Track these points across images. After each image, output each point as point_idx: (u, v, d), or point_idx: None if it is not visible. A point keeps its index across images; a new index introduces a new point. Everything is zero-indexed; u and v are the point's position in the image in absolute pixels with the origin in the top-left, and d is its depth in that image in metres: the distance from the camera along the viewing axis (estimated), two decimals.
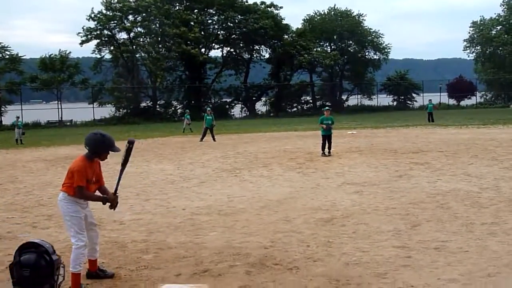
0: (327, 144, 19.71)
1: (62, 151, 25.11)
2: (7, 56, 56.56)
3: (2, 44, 56.68)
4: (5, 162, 21.00)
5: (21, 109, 50.84)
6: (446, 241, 7.75)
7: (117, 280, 6.53)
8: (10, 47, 57.81)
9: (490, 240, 7.77)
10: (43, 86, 57.35)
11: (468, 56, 76.21)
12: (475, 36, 72.82)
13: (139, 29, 58.28)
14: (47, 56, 57.82)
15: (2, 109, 54.45)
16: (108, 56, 59.29)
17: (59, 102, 56.94)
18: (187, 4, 61.64)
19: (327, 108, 21.56)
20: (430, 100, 43.14)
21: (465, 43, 74.32)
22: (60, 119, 55.30)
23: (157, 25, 58.00)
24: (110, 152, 6.52)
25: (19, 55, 57.49)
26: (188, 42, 57.13)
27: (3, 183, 15.46)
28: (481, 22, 72.83)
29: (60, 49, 60.76)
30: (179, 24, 57.11)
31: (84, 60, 64.62)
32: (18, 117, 33.60)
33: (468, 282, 6.04)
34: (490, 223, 8.76)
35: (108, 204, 6.55)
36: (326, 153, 19.58)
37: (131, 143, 6.17)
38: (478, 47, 73.51)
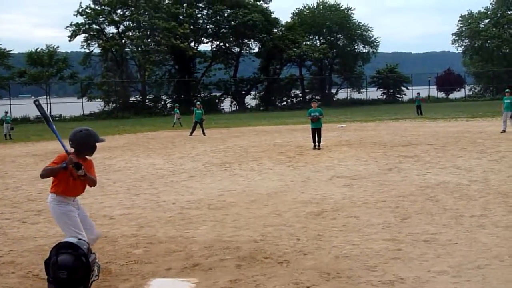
0: (316, 137, 19.70)
1: (52, 146, 24.99)
2: None
3: None
4: None
5: (10, 104, 50.57)
6: (435, 234, 7.79)
7: (107, 275, 6.51)
8: None
9: (479, 232, 7.81)
10: (32, 81, 56.98)
11: (457, 50, 76.61)
12: (463, 29, 73.10)
13: (128, 22, 57.99)
14: (34, 51, 57.41)
15: None
16: (97, 50, 59.01)
17: (48, 97, 56.64)
18: None
19: (314, 100, 21.55)
20: (419, 93, 43.32)
21: (454, 36, 74.63)
22: (49, 114, 54.90)
23: (146, 18, 57.76)
24: (99, 141, 6.36)
25: (7, 49, 57.07)
26: (177, 36, 56.92)
27: None
28: (469, 16, 73.09)
29: (46, 44, 60.37)
30: (169, 18, 56.89)
31: (72, 55, 64.26)
32: (6, 112, 33.41)
33: (458, 274, 6.08)
34: (479, 215, 8.81)
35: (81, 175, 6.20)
36: (318, 146, 19.57)
37: (35, 101, 6.36)
38: (467, 41, 73.80)
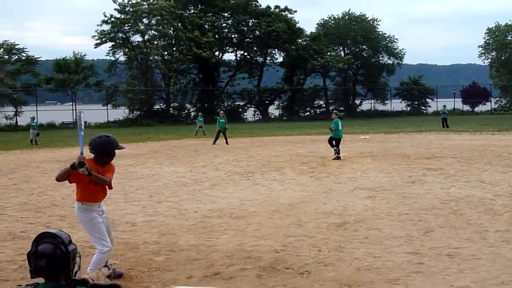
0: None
1: (76, 152, 25.14)
2: (23, 58, 56.99)
3: (18, 46, 57.17)
4: (20, 163, 21.16)
5: (36, 110, 51.24)
6: (459, 248, 7.70)
7: (128, 282, 6.55)
8: (26, 48, 58.30)
9: (504, 247, 7.70)
10: (58, 88, 57.71)
11: (483, 62, 75.83)
12: (490, 42, 72.41)
13: (153, 32, 58.50)
14: (62, 58, 58.21)
15: (18, 110, 54.83)
16: (122, 58, 59.60)
17: (74, 104, 57.28)
18: (202, 7, 61.72)
19: (335, 111, 21.72)
20: (444, 106, 42.91)
21: (480, 49, 73.95)
22: (74, 120, 55.56)
23: (171, 29, 58.22)
24: (116, 151, 6.44)
25: (35, 57, 57.94)
26: (202, 45, 57.23)
27: (17, 183, 15.57)
28: (496, 28, 72.40)
29: (74, 51, 61.18)
30: (193, 28, 57.25)
31: (98, 62, 64.97)
32: (33, 118, 33.84)
33: None
34: (504, 230, 8.69)
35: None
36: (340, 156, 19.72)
37: (79, 112, 6.75)
38: (493, 53, 73.06)
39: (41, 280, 3.23)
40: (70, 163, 6.04)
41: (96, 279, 6.14)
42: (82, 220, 6.41)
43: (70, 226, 9.59)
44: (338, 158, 19.52)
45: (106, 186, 6.45)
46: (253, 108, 66.23)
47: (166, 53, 58.34)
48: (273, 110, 66.56)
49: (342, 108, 64.85)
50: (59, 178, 6.18)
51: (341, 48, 71.79)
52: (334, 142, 20.00)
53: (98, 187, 6.35)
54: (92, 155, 6.44)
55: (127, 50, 58.06)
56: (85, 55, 59.58)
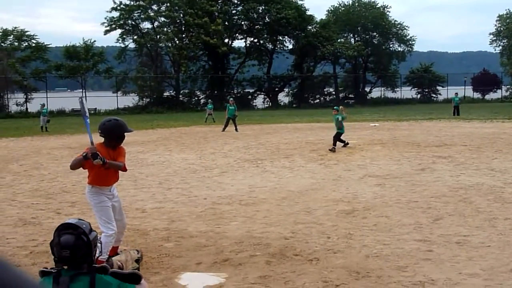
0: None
1: (86, 138, 25.23)
2: (33, 45, 57.13)
3: (28, 32, 57.28)
4: (30, 149, 21.28)
5: (46, 97, 51.36)
6: (468, 236, 7.70)
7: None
8: (36, 35, 58.50)
9: None
10: (68, 74, 57.85)
11: (494, 50, 75.20)
12: (502, 29, 71.77)
13: (162, 18, 58.39)
14: (72, 45, 58.31)
15: (28, 96, 55.06)
16: (132, 45, 59.58)
17: (84, 91, 57.41)
18: None
19: (335, 107, 21.01)
20: (456, 93, 42.61)
21: (492, 36, 73.31)
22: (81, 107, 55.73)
23: (181, 15, 58.08)
24: (128, 131, 6.54)
25: (45, 43, 58.05)
26: (211, 32, 57.09)
27: (28, 170, 15.68)
28: (508, 15, 71.72)
29: (83, 38, 61.28)
30: (203, 15, 57.09)
31: (108, 49, 64.98)
32: (43, 105, 33.97)
33: (490, 277, 6.01)
34: None
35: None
36: (332, 149, 18.71)
37: (79, 98, 6.76)
38: (505, 41, 72.45)
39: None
40: (83, 153, 6.10)
41: (125, 263, 6.24)
42: (91, 202, 6.51)
43: (81, 212, 9.66)
44: (333, 150, 19.02)
45: (119, 171, 6.53)
46: (262, 95, 66.11)
47: (176, 39, 58.24)
48: (283, 98, 66.41)
49: (350, 100, 64.55)
50: (73, 167, 6.34)
51: (351, 35, 71.41)
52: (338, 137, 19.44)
53: (110, 171, 6.46)
54: (101, 139, 6.52)
55: (136, 37, 58.03)
56: (94, 41, 59.66)
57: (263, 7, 62.14)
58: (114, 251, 6.68)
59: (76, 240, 3.33)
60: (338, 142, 19.19)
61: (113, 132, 6.46)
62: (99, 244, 3.39)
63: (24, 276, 0.89)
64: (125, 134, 6.57)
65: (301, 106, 60.40)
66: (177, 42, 57.76)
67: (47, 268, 3.42)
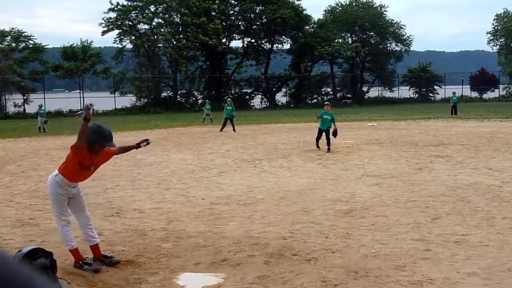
0: (326, 140, 18.70)
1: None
2: (31, 46, 57.07)
3: (25, 33, 57.23)
4: (28, 150, 21.26)
5: (44, 98, 51.35)
6: (466, 235, 7.70)
7: (136, 268, 6.60)
8: (33, 36, 58.34)
9: (511, 234, 7.70)
10: (66, 75, 57.80)
11: (492, 49, 75.30)
12: (499, 28, 71.86)
13: (160, 20, 58.34)
14: (69, 45, 58.26)
15: (26, 97, 55.01)
16: (129, 45, 59.56)
17: (81, 91, 57.38)
18: None
19: (327, 103, 20.55)
20: (454, 92, 42.65)
21: (489, 35, 73.43)
22: (82, 108, 55.65)
23: (178, 15, 58.06)
24: (103, 145, 6.56)
25: (42, 44, 57.99)
26: (209, 32, 57.10)
27: (26, 171, 15.66)
28: (505, 14, 71.81)
29: (81, 39, 61.17)
30: (199, 14, 57.04)
31: (106, 50, 64.94)
32: (41, 106, 33.94)
33: (488, 276, 6.01)
34: (511, 217, 8.68)
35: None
36: (326, 148, 18.47)
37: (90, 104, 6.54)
38: (502, 40, 72.54)
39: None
40: (82, 126, 6.30)
41: None
42: (49, 190, 6.66)
43: None
44: (318, 147, 18.89)
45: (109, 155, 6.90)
46: (260, 95, 66.12)
47: (173, 40, 58.24)
48: (280, 97, 66.41)
49: (349, 95, 64.52)
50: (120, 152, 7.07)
51: (348, 35, 71.46)
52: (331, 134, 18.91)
53: (87, 175, 6.75)
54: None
55: (133, 38, 57.99)
56: (92, 42, 59.68)
57: (260, 7, 62.14)
58: (98, 251, 6.73)
59: (50, 260, 3.36)
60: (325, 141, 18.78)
61: (96, 136, 6.52)
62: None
63: (34, 275, 0.89)
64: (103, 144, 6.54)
65: (299, 106, 60.39)
66: (174, 42, 57.72)
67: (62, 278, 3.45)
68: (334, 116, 19.25)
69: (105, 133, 6.53)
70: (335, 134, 18.80)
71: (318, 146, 18.96)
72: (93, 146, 6.47)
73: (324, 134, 18.86)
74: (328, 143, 18.62)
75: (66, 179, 6.53)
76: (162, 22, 58.31)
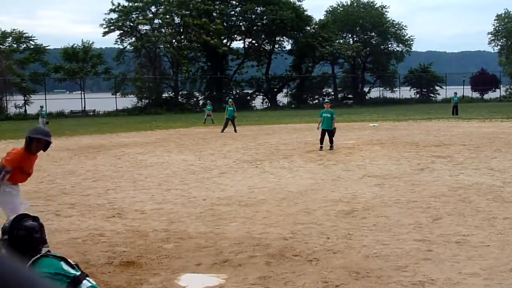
0: (328, 139, 18.94)
1: (85, 140, 25.35)
2: (32, 47, 57.09)
3: (26, 34, 57.24)
4: None
5: (45, 99, 51.40)
6: (467, 235, 7.70)
7: (138, 269, 6.60)
8: (34, 37, 58.34)
9: None
10: (67, 76, 57.82)
11: (493, 49, 75.24)
12: (500, 29, 71.82)
13: (159, 21, 58.33)
14: (70, 46, 58.29)
15: (27, 98, 55.05)
16: (130, 46, 59.53)
17: (83, 92, 57.41)
18: None
19: (326, 100, 20.84)
20: (456, 93, 42.62)
21: (490, 36, 73.38)
22: (83, 109, 55.76)
23: (179, 17, 58.09)
24: (42, 141, 6.96)
25: (43, 45, 58.00)
26: (210, 33, 57.13)
27: None
28: (506, 15, 71.77)
29: (82, 40, 61.09)
30: (200, 15, 57.06)
31: (107, 51, 64.96)
32: (42, 107, 34.01)
33: (489, 276, 6.01)
34: None
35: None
36: (328, 148, 18.78)
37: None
38: (503, 40, 72.49)
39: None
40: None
41: None
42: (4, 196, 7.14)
43: (80, 214, 9.66)
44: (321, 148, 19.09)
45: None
46: (261, 96, 66.10)
47: (174, 40, 58.28)
48: (282, 98, 66.39)
49: (351, 96, 64.54)
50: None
51: (349, 35, 71.45)
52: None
53: (25, 179, 7.53)
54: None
55: (134, 39, 57.99)
56: (92, 43, 59.68)
57: (261, 8, 62.15)
58: None
59: (38, 222, 3.70)
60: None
61: (33, 133, 7.04)
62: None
63: (36, 276, 0.89)
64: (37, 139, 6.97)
65: (300, 107, 60.38)
66: (175, 43, 57.73)
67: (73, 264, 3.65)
68: (334, 114, 19.44)
69: (41, 129, 7.40)
70: (334, 132, 18.95)
71: (321, 148, 19.03)
72: (31, 142, 6.98)
73: (326, 133, 19.03)
74: (331, 141, 18.94)
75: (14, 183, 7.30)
76: (163, 23, 58.31)
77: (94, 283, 3.65)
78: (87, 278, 3.62)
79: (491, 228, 8.06)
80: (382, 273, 6.21)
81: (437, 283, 5.85)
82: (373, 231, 8.09)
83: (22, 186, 13.02)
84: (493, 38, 73.26)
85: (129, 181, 13.29)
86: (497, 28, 72.43)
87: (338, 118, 21.06)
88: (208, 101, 42.14)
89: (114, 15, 56.93)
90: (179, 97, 61.37)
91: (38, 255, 3.61)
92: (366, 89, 71.11)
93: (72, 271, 3.57)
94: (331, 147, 18.84)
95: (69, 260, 3.65)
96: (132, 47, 58.74)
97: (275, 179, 13.38)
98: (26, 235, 3.59)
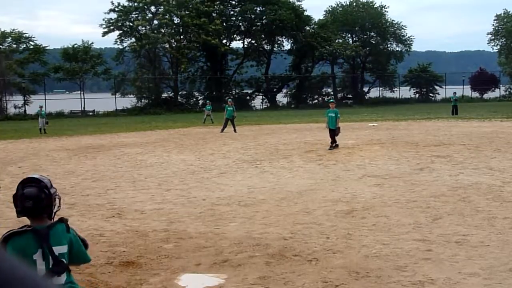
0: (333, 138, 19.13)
1: (85, 140, 25.34)
2: (31, 47, 57.07)
3: (26, 34, 57.24)
4: (29, 151, 21.26)
5: (45, 99, 51.40)
6: (467, 235, 7.70)
7: (137, 269, 6.60)
8: (34, 37, 58.32)
9: None
10: (67, 77, 57.81)
11: (492, 49, 75.25)
12: (499, 29, 71.85)
13: (158, 21, 58.28)
14: (70, 46, 58.27)
15: (26, 99, 55.05)
16: (129, 47, 59.49)
17: (82, 92, 57.41)
18: None
19: (331, 100, 21.00)
20: (455, 93, 42.62)
21: (490, 36, 73.42)
22: (83, 109, 55.76)
23: (179, 17, 58.09)
24: None
25: (43, 45, 57.99)
26: (210, 33, 57.13)
27: (26, 172, 15.65)
28: (505, 15, 71.80)
29: (82, 40, 61.03)
30: (199, 15, 57.05)
31: (106, 51, 64.94)
32: (41, 107, 33.94)
33: (489, 276, 6.01)
34: None
35: None
36: (333, 146, 19.01)
37: None
38: (503, 40, 72.51)
39: (27, 221, 3.76)
40: None
41: None
42: None
43: (80, 214, 9.66)
44: (336, 146, 19.21)
45: None
46: (261, 96, 66.10)
47: (173, 40, 58.28)
48: (281, 98, 66.40)
49: (350, 96, 64.67)
50: None
51: (349, 35, 71.46)
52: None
53: None
54: None
55: (134, 39, 57.97)
56: (92, 43, 59.66)
57: (261, 8, 62.16)
58: None
59: (39, 192, 3.65)
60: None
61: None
62: (57, 201, 3.84)
63: (35, 275, 0.89)
64: None
65: (299, 107, 60.40)
66: (174, 43, 57.72)
67: (11, 230, 3.69)
68: (339, 114, 19.65)
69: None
70: (337, 131, 19.05)
71: (331, 147, 19.14)
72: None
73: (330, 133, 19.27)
74: (332, 141, 19.09)
75: None
76: (162, 23, 58.29)
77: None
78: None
79: (491, 228, 8.06)
80: (382, 273, 6.21)
81: (437, 283, 5.85)
82: (372, 231, 8.09)
83: None
84: (493, 38, 73.31)
85: (128, 181, 13.29)
86: (496, 28, 72.46)
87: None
88: (208, 101, 42.14)
89: (113, 15, 56.99)
90: (179, 97, 61.37)
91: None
92: (365, 89, 71.11)
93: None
94: (333, 147, 18.93)
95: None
96: (130, 48, 58.68)
97: (274, 179, 13.38)
98: (17, 203, 3.74)
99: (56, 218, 3.86)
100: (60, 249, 3.71)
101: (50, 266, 3.64)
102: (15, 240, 3.64)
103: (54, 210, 3.81)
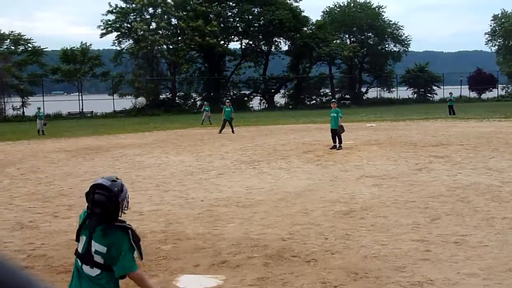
0: (337, 139, 19.33)
1: (83, 142, 25.30)
2: (30, 49, 57.01)
3: (24, 36, 57.18)
4: (27, 153, 21.23)
5: (43, 101, 51.33)
6: (466, 235, 7.70)
7: None
8: (32, 39, 58.24)
9: (511, 234, 7.70)
10: (65, 78, 57.75)
11: (490, 49, 75.34)
12: (497, 29, 71.95)
13: (155, 24, 58.26)
14: (69, 48, 58.24)
15: (24, 100, 54.98)
16: (127, 48, 59.46)
17: (80, 94, 57.36)
18: None
19: (333, 100, 21.25)
20: (451, 93, 42.65)
21: (487, 36, 73.52)
22: (81, 110, 55.70)
23: (176, 19, 58.08)
24: None
25: (41, 47, 57.97)
26: (206, 34, 57.09)
27: (25, 173, 15.63)
28: (503, 15, 71.90)
29: (81, 41, 61.08)
30: (197, 17, 57.05)
31: (104, 52, 64.85)
32: (39, 108, 33.89)
33: (488, 276, 6.00)
34: (511, 217, 8.68)
35: None
36: (337, 147, 19.17)
37: None
38: (500, 40, 72.61)
39: None
40: None
41: None
42: None
43: (77, 216, 9.63)
44: (340, 148, 19.28)
45: None
46: (258, 97, 66.10)
47: (170, 42, 58.24)
48: (279, 99, 66.37)
49: (348, 96, 64.72)
50: None
51: (346, 36, 71.49)
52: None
53: None
54: None
55: (132, 40, 57.95)
56: (91, 45, 59.60)
57: (258, 9, 62.17)
58: None
59: (108, 201, 3.93)
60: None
61: None
62: (125, 202, 4.14)
63: (34, 278, 0.88)
64: None
65: (297, 107, 60.40)
66: (171, 46, 57.68)
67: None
68: (341, 113, 19.80)
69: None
70: (340, 130, 19.14)
71: (334, 147, 19.29)
72: None
73: (332, 133, 19.46)
74: (339, 141, 19.28)
75: None
76: (160, 25, 58.28)
77: None
78: None
79: (490, 228, 8.06)
80: (381, 274, 6.20)
81: (436, 284, 5.84)
82: (371, 232, 8.08)
83: (21, 188, 13.04)
84: (490, 38, 73.41)
85: (127, 183, 13.19)
86: (494, 28, 72.57)
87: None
88: (206, 102, 42.13)
89: (111, 17, 56.94)
90: (177, 98, 61.34)
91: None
92: (363, 90, 71.13)
93: None
94: (335, 147, 19.12)
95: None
96: (131, 48, 58.66)
97: (273, 180, 13.37)
98: (87, 198, 4.06)
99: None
100: (98, 247, 3.95)
101: (82, 252, 4.00)
102: (81, 215, 4.28)
103: (121, 210, 4.09)
